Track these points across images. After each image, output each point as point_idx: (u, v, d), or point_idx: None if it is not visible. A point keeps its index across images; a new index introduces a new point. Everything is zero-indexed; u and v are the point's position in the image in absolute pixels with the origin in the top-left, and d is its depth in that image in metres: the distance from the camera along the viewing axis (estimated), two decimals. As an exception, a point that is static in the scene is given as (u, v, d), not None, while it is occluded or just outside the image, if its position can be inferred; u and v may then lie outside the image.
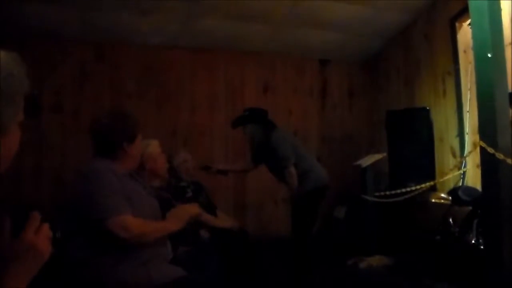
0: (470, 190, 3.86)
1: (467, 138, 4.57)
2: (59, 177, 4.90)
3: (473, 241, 3.45)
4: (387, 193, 4.33)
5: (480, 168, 3.08)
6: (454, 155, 4.77)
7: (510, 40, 3.77)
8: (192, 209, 2.39)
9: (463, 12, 4.44)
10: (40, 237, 1.15)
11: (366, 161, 5.13)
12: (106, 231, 1.99)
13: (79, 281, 2.07)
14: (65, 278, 2.14)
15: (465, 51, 4.68)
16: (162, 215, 2.38)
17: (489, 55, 2.84)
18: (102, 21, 4.83)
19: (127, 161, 2.28)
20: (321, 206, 4.31)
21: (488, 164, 2.87)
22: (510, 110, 2.99)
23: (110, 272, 2.03)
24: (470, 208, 3.63)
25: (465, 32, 4.65)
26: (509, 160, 2.72)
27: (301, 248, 4.04)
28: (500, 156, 2.72)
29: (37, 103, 4.78)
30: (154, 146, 3.17)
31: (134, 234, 2.02)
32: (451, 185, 4.44)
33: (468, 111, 4.58)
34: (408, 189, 4.01)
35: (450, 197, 4.01)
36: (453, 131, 4.78)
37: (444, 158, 4.89)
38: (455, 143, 4.75)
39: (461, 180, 4.47)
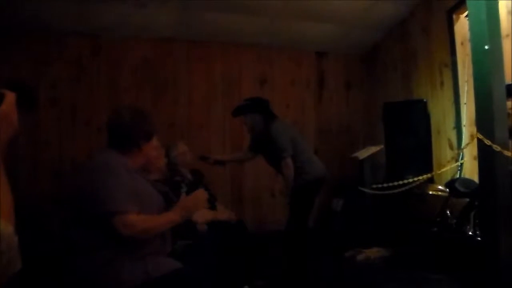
0: (467, 182, 3.87)
1: (464, 130, 4.58)
2: (56, 171, 4.90)
3: (470, 233, 3.47)
4: (385, 185, 4.34)
5: (477, 160, 3.09)
6: (451, 147, 4.78)
7: (507, 32, 3.78)
8: (200, 198, 2.32)
9: (460, 4, 4.44)
10: (11, 108, 1.32)
11: (363, 153, 5.14)
12: (110, 226, 1.99)
13: (78, 273, 2.07)
14: (65, 269, 2.14)
15: (462, 43, 4.67)
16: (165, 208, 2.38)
17: (486, 47, 2.84)
18: (98, 14, 4.80)
19: (138, 158, 2.27)
20: (318, 199, 4.32)
21: (485, 156, 2.88)
22: (507, 102, 3.00)
23: (108, 265, 2.03)
24: (467, 199, 3.65)
25: (462, 24, 4.65)
26: (506, 152, 2.73)
27: (297, 241, 4.05)
28: (497, 148, 2.73)
29: (32, 96, 4.78)
30: (156, 141, 3.15)
31: (136, 231, 2.02)
32: (449, 177, 4.45)
33: (465, 103, 4.59)
34: (406, 181, 4.02)
35: (447, 189, 4.02)
36: (450, 123, 4.79)
37: (442, 150, 4.90)
38: (452, 135, 4.76)
39: (458, 172, 4.48)
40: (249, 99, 4.31)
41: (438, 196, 4.19)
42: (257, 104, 4.23)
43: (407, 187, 4.01)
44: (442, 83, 4.95)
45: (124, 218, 2.00)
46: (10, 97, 1.33)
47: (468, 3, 3.07)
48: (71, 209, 2.17)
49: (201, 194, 2.33)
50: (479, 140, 2.85)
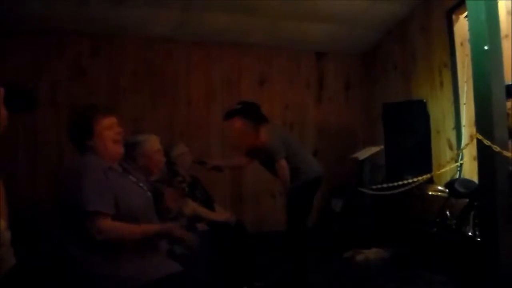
0: (466, 182, 3.87)
1: (463, 131, 4.57)
2: (55, 172, 4.88)
3: (469, 233, 3.47)
4: (384, 185, 4.34)
5: (476, 160, 3.09)
6: (450, 148, 4.78)
7: (506, 33, 3.78)
8: (172, 231, 2.26)
9: (460, 5, 4.43)
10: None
11: (363, 153, 5.14)
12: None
13: (75, 277, 2.07)
14: (62, 274, 2.14)
15: (461, 44, 4.67)
16: (157, 210, 2.37)
17: (486, 48, 2.84)
18: (97, 14, 4.80)
19: (102, 154, 2.24)
20: (316, 199, 4.31)
21: (484, 157, 2.87)
22: (507, 103, 3.00)
23: (105, 267, 2.02)
24: (467, 200, 3.65)
25: (461, 25, 4.65)
26: (505, 152, 2.73)
27: (297, 241, 4.05)
28: (496, 148, 2.73)
29: (33, 97, 4.77)
30: (150, 142, 3.12)
31: (107, 237, 2.00)
32: (448, 178, 4.45)
33: (464, 104, 4.59)
34: (405, 181, 4.01)
35: (447, 190, 4.02)
36: (450, 124, 4.79)
37: (441, 151, 4.90)
38: (452, 136, 4.76)
39: (458, 172, 4.48)
40: (240, 103, 4.32)
41: (437, 196, 4.19)
42: (248, 107, 4.24)
43: (406, 188, 4.00)
44: (441, 84, 4.95)
45: (96, 222, 1.98)
46: None
47: (467, 3, 3.07)
48: (63, 212, 2.17)
49: (173, 229, 2.28)
50: (478, 141, 2.85)
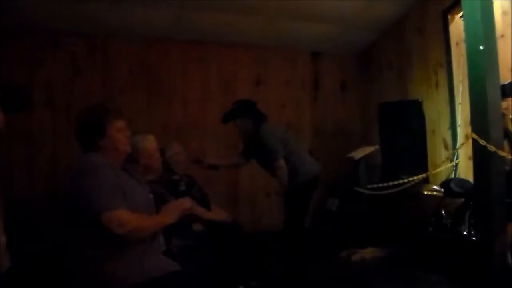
0: (462, 182, 3.88)
1: (459, 130, 4.58)
2: (51, 172, 4.87)
3: (465, 233, 3.48)
4: (380, 185, 4.35)
5: (472, 160, 3.10)
6: (446, 147, 4.79)
7: (501, 33, 3.79)
8: (184, 203, 2.34)
9: (456, 5, 4.44)
10: None
11: (358, 153, 5.14)
12: (102, 226, 1.98)
13: (73, 275, 2.06)
14: (60, 272, 2.14)
15: (457, 44, 4.68)
16: (157, 210, 2.37)
17: (481, 48, 2.85)
18: (93, 14, 4.78)
19: (109, 154, 2.25)
20: (313, 198, 4.31)
21: (480, 156, 2.89)
22: (502, 102, 3.01)
23: (103, 266, 2.02)
24: (462, 200, 3.66)
25: (457, 25, 4.66)
26: (500, 152, 2.74)
27: (293, 241, 4.05)
28: (491, 148, 2.74)
29: (28, 97, 4.76)
30: (149, 141, 3.14)
31: (128, 229, 2.00)
32: (443, 177, 4.46)
33: (460, 103, 4.59)
34: (401, 181, 4.03)
35: (442, 189, 4.03)
36: (445, 123, 4.79)
37: (437, 150, 4.91)
38: (447, 135, 4.77)
39: (453, 172, 4.49)
40: (236, 103, 4.30)
41: (433, 196, 4.20)
42: (245, 107, 4.22)
43: (402, 187, 4.02)
44: (437, 83, 4.95)
45: (114, 215, 1.98)
46: None
47: (463, 3, 3.08)
48: (63, 211, 2.17)
49: (185, 201, 2.35)
50: (474, 140, 2.87)
